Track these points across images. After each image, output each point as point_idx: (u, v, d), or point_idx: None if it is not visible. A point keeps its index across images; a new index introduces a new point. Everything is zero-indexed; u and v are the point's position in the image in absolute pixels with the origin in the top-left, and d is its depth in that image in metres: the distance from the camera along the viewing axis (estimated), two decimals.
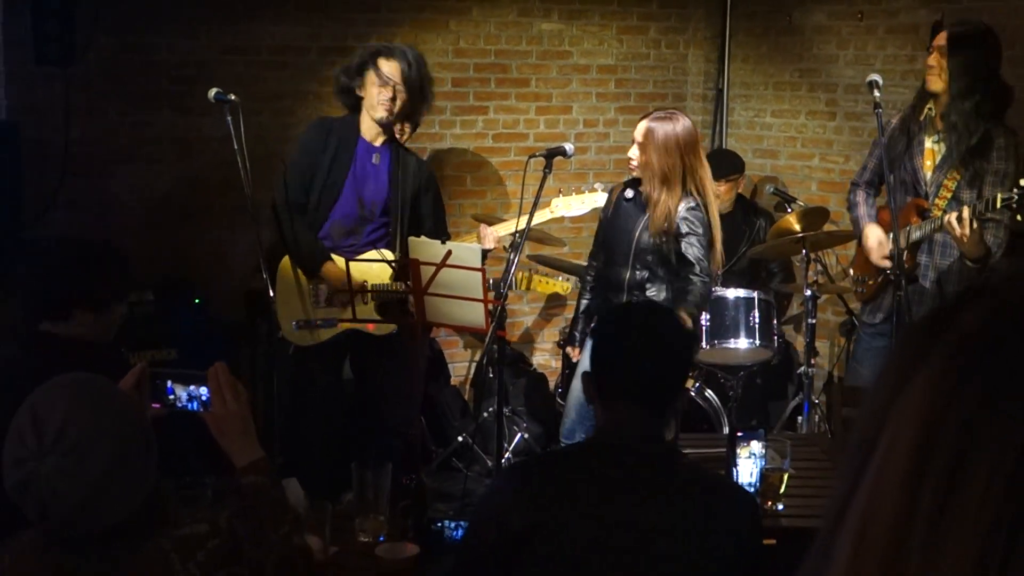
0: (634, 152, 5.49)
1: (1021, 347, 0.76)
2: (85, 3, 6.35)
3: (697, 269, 5.46)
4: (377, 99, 5.65)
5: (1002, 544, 0.72)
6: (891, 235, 5.41)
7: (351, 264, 5.43)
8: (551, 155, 5.37)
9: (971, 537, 0.73)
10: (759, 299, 6.38)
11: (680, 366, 3.14)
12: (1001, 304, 0.79)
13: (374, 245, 5.81)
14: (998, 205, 5.02)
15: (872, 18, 7.52)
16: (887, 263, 5.53)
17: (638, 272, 5.57)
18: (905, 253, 5.46)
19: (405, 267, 5.58)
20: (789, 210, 7.13)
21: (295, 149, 5.91)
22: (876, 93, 5.39)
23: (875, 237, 5.64)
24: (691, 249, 5.46)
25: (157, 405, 2.99)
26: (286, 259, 5.77)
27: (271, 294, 5.39)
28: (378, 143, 5.80)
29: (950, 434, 0.76)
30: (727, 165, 7.35)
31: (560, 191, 5.98)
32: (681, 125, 5.46)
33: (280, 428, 5.66)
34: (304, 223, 5.73)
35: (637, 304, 3.61)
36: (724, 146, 8.33)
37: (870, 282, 5.79)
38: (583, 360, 5.58)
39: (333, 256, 5.71)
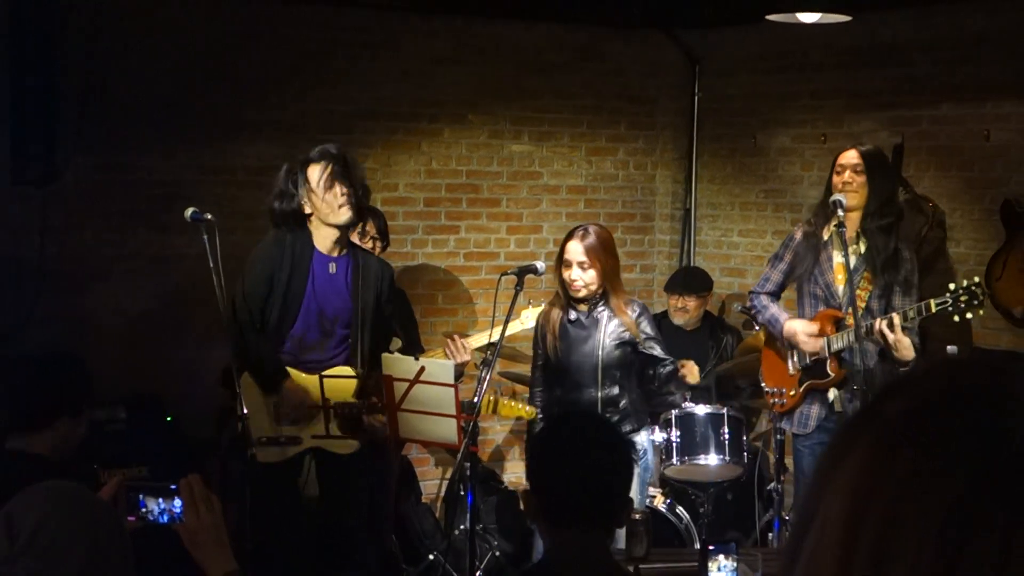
0: (578, 274, 5.60)
1: (938, 433, 0.82)
2: (64, 123, 6.45)
3: (668, 360, 5.73)
4: (335, 203, 5.52)
5: None
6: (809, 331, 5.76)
7: (309, 379, 5.42)
8: (522, 273, 5.46)
9: None
10: (728, 415, 6.43)
11: (621, 482, 3.06)
12: (921, 393, 0.86)
13: (337, 360, 5.71)
14: (933, 310, 5.30)
15: (835, 140, 7.70)
16: (819, 344, 5.69)
17: (607, 389, 5.65)
18: (829, 362, 5.72)
19: (368, 383, 5.59)
20: (756, 328, 7.21)
21: (249, 266, 5.78)
22: (840, 213, 5.54)
23: (801, 326, 5.78)
24: (656, 348, 5.71)
25: (132, 518, 3.01)
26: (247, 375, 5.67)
27: (243, 411, 5.36)
28: (335, 253, 5.67)
29: (876, 514, 0.81)
30: (697, 282, 7.47)
31: (530, 302, 6.06)
32: (601, 230, 5.81)
33: (250, 543, 5.63)
34: (261, 340, 5.62)
35: (568, 419, 3.58)
36: (692, 264, 8.45)
37: (791, 392, 5.90)
38: None
39: (292, 372, 5.62)
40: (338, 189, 5.54)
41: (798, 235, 5.93)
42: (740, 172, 8.42)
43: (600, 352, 5.65)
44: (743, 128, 8.34)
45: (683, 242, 8.72)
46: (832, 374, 5.74)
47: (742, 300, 7.96)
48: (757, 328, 7.14)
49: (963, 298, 5.29)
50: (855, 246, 5.66)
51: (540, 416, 5.86)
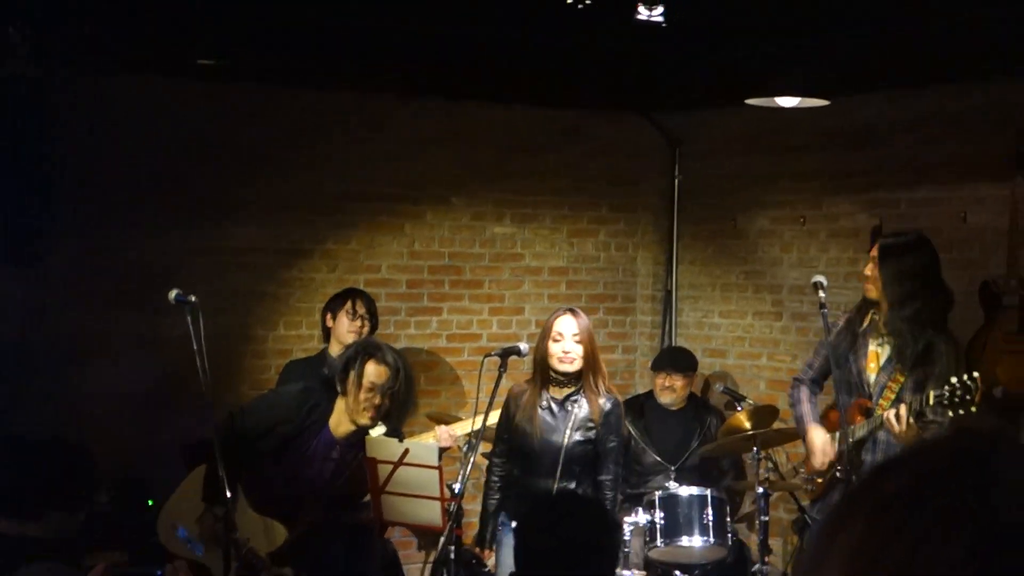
0: (572, 346, 5.64)
1: (931, 513, 0.85)
2: (53, 205, 6.47)
3: (609, 486, 5.70)
4: (363, 404, 5.44)
5: None
6: (836, 434, 5.58)
7: (250, 511, 5.35)
8: (506, 355, 5.48)
9: None
10: (712, 496, 6.43)
11: (606, 563, 3.12)
12: (912, 472, 0.89)
13: (278, 511, 5.59)
14: (931, 403, 5.17)
15: (814, 223, 7.78)
16: (825, 467, 5.64)
17: (564, 482, 5.66)
18: (852, 453, 5.58)
19: (291, 546, 5.50)
20: (739, 408, 7.24)
21: (268, 398, 5.84)
22: (821, 294, 5.56)
23: (820, 440, 5.72)
24: (608, 459, 5.71)
25: None
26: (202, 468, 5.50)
27: (227, 494, 5.29)
28: (343, 437, 5.57)
29: None
30: (685, 361, 7.49)
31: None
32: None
33: None
34: (244, 458, 5.49)
35: (554, 503, 3.65)
36: (675, 345, 8.48)
37: (819, 480, 5.87)
38: (504, 560, 5.61)
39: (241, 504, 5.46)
40: (376, 398, 5.45)
41: (841, 321, 5.84)
42: (720, 254, 8.49)
43: (564, 444, 5.66)
44: (723, 210, 8.42)
45: (664, 323, 8.76)
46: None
47: (724, 380, 8.00)
48: (740, 408, 7.17)
49: (958, 392, 5.21)
50: (888, 337, 5.60)
51: (494, 481, 5.91)
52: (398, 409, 5.53)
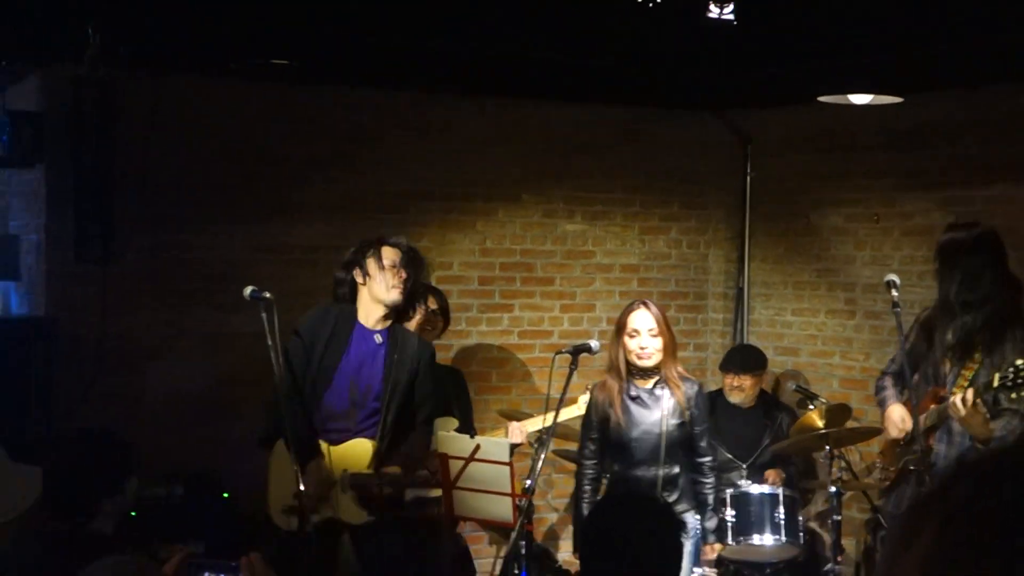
0: (649, 340, 5.64)
1: (1000, 522, 0.85)
2: (125, 203, 6.58)
3: (709, 468, 5.79)
4: (391, 280, 5.70)
5: None
6: (914, 416, 5.56)
7: (332, 450, 5.53)
8: (577, 352, 5.48)
9: None
10: (784, 495, 6.40)
11: (666, 565, 3.12)
12: (984, 480, 0.89)
13: (364, 433, 5.71)
14: (995, 385, 5.12)
15: (888, 220, 7.72)
16: (900, 433, 5.61)
17: (669, 467, 5.68)
18: (924, 441, 5.55)
19: (385, 453, 5.61)
20: (812, 407, 7.19)
21: (295, 335, 5.85)
22: (894, 293, 5.52)
23: (897, 413, 5.70)
24: (702, 441, 5.77)
25: None
26: (281, 441, 5.65)
27: (300, 487, 5.37)
28: (379, 327, 5.79)
29: None
30: (753, 360, 7.47)
31: (587, 387, 6.08)
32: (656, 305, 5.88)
33: None
34: (301, 412, 5.63)
35: (616, 501, 3.67)
36: (746, 343, 8.44)
37: (891, 469, 5.83)
38: None
39: (323, 451, 5.62)
40: (402, 273, 5.71)
41: (924, 315, 5.82)
42: (793, 251, 8.44)
43: (664, 429, 5.67)
44: (795, 207, 8.37)
45: (736, 321, 8.73)
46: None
47: (797, 379, 7.96)
48: (812, 407, 7.13)
49: (1022, 374, 5.16)
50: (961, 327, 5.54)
51: (587, 486, 5.87)
52: (417, 274, 5.86)
